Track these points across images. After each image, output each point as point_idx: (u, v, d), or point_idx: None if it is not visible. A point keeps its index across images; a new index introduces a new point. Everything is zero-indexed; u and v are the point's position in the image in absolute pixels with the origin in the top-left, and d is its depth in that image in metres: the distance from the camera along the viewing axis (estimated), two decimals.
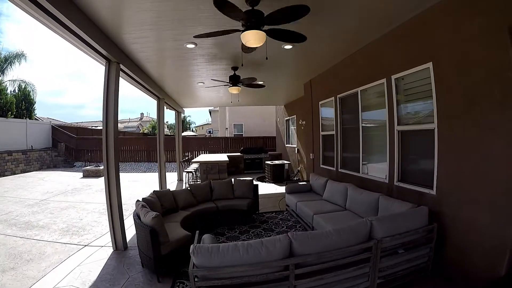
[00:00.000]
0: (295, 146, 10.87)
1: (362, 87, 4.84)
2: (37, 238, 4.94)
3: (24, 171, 13.87)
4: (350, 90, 5.23)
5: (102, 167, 12.42)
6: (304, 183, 6.39)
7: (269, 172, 10.00)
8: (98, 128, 21.71)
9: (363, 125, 4.89)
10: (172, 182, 10.55)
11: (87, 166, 13.19)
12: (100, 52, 3.80)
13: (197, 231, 2.97)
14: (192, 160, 9.19)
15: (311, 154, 7.30)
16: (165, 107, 10.14)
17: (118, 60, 4.22)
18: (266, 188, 8.83)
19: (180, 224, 4.17)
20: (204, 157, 10.82)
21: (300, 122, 9.82)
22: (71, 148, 16.42)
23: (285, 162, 10.35)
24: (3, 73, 16.38)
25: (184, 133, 30.09)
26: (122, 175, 12.90)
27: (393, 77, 3.99)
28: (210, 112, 30.39)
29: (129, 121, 34.90)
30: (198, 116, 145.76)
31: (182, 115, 11.81)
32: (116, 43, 4.18)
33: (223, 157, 10.38)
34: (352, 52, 5.04)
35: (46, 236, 5.02)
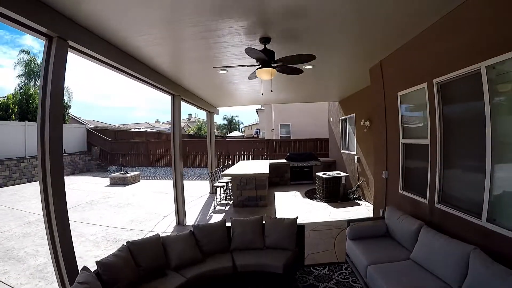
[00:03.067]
0: (354, 153, 8.57)
1: (492, 60, 2.58)
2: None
3: None
4: (461, 69, 2.98)
5: (129, 175, 11.73)
6: (375, 222, 4.28)
7: (321, 187, 7.91)
8: (138, 130, 21.86)
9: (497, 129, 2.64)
10: (202, 195, 9.15)
11: (117, 172, 12.39)
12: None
13: None
14: (223, 172, 7.65)
15: (383, 172, 5.06)
16: (196, 108, 8.83)
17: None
18: (316, 212, 6.79)
19: None
20: (240, 166, 9.11)
21: (362, 123, 7.54)
22: (105, 152, 15.99)
23: (342, 174, 8.14)
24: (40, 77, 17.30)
25: (232, 134, 29.24)
26: (150, 183, 11.54)
27: None
28: (257, 112, 28.99)
29: None
30: (246, 116, 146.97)
31: (216, 115, 10.35)
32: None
33: (263, 166, 8.60)
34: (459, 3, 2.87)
35: (11, 280, 3.91)
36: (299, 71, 4.11)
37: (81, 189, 10.75)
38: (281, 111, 16.13)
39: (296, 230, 3.60)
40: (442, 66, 3.32)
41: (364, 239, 3.67)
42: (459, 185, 3.25)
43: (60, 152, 3.08)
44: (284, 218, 3.70)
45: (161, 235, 3.44)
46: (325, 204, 7.53)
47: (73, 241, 4.98)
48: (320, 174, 8.17)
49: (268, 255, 3.46)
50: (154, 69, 5.17)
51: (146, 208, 7.83)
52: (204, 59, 4.71)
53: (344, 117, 9.60)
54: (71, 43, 3.01)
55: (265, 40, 3.64)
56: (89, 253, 4.80)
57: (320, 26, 3.47)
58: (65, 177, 13.62)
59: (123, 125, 25.54)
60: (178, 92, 6.27)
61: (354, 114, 8.64)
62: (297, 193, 8.93)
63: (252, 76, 4.08)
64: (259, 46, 3.77)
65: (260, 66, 3.66)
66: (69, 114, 17.37)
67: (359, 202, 7.64)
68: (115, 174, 11.96)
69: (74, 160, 15.13)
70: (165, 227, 6.16)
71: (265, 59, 3.57)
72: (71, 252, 2.99)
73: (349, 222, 3.95)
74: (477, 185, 2.81)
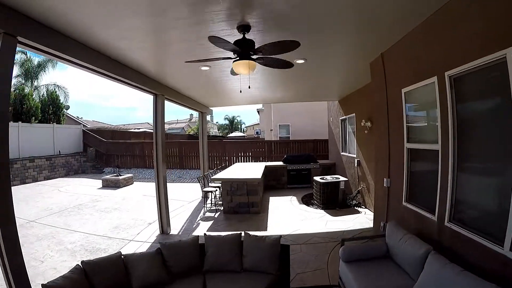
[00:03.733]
0: (354, 156, 7.95)
1: None
2: None
3: (48, 178, 13.13)
4: (480, 58, 2.38)
5: (121, 177, 11.22)
6: (373, 240, 3.66)
7: (318, 192, 7.30)
8: (137, 130, 21.40)
9: None
10: (194, 200, 8.56)
11: (112, 174, 12.01)
12: None
13: None
14: (213, 177, 7.08)
15: (385, 180, 4.46)
16: (187, 108, 8.27)
17: None
18: (311, 221, 6.17)
19: None
20: (234, 169, 8.51)
21: (362, 124, 6.93)
22: (101, 153, 15.47)
23: (341, 178, 7.53)
24: (37, 78, 17.00)
25: (233, 134, 28.75)
26: (143, 185, 10.90)
27: None
28: (258, 112, 28.41)
29: (177, 122, 35.02)
30: (248, 116, 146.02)
31: (209, 116, 9.79)
32: None
33: (257, 170, 8.02)
34: None
35: None
36: (289, 65, 3.51)
37: (72, 192, 10.29)
38: (280, 111, 15.51)
39: (279, 251, 3.01)
40: (456, 56, 2.72)
41: (360, 262, 3.07)
42: (475, 200, 2.64)
43: (5, 159, 2.55)
44: (266, 236, 3.09)
45: (142, 245, 2.97)
46: (322, 211, 6.92)
47: (50, 250, 4.97)
48: (317, 178, 7.57)
49: (245, 279, 2.88)
50: (129, 66, 4.64)
51: (133, 213, 7.32)
52: (184, 53, 4.15)
53: (344, 117, 8.97)
54: (22, 39, 2.62)
55: (243, 28, 3.04)
56: (64, 264, 4.40)
57: (311, 11, 2.89)
58: (59, 179, 13.09)
59: (123, 125, 25.14)
60: (161, 91, 5.74)
61: (354, 114, 8.01)
62: (294, 198, 8.33)
63: (232, 71, 3.53)
64: (238, 36, 3.20)
65: (237, 58, 3.10)
66: (65, 115, 16.93)
67: (359, 209, 7.02)
68: (108, 176, 11.46)
69: (69, 161, 14.66)
70: (148, 236, 5.63)
71: (238, 50, 3.00)
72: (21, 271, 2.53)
73: (343, 241, 3.34)
74: (498, 202, 2.21)
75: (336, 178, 7.58)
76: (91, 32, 3.19)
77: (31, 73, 17.32)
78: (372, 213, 6.53)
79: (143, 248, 5.02)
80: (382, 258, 3.12)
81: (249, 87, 3.46)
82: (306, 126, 14.80)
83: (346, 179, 7.68)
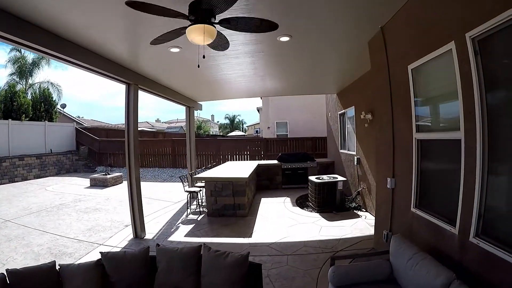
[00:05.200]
0: (354, 153, 7.14)
1: None
2: None
3: (38, 176, 12.49)
4: None
5: (109, 176, 10.50)
6: (374, 261, 2.87)
7: (314, 193, 6.49)
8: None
9: None
10: (180, 201, 7.77)
11: (104, 173, 11.52)
12: None
13: None
14: (195, 176, 6.29)
15: (388, 180, 3.65)
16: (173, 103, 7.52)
17: None
18: (303, 226, 5.36)
19: None
20: (223, 168, 7.69)
21: (362, 116, 6.12)
22: (94, 151, 14.74)
23: (339, 178, 6.72)
24: (31, 76, 16.50)
25: (232, 133, 28.04)
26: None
27: None
28: (258, 110, 27.64)
29: (177, 121, 34.39)
30: (250, 116, 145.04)
31: (198, 111, 9.04)
32: None
33: (247, 169, 7.25)
34: None
35: None
36: (270, 26, 2.54)
37: (57, 191, 9.66)
38: (278, 108, 14.70)
39: (246, 272, 2.24)
40: (480, 9, 1.93)
41: (356, 286, 2.30)
42: None
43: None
44: (228, 253, 2.30)
45: (111, 250, 2.25)
46: (317, 215, 6.10)
47: (16, 252, 4.58)
48: (312, 178, 6.76)
49: None
50: (97, 53, 3.97)
51: (112, 214, 6.62)
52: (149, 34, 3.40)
53: (343, 111, 8.15)
54: None
55: None
56: None
57: None
58: (48, 178, 12.48)
59: (122, 124, 24.50)
60: (134, 80, 4.99)
61: (353, 107, 7.18)
62: (288, 199, 7.53)
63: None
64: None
65: (191, 23, 2.34)
66: (57, 112, 16.29)
67: (358, 213, 6.19)
68: (96, 175, 10.76)
69: (61, 160, 13.99)
70: (119, 240, 4.93)
71: (185, 14, 2.25)
72: None
73: (333, 259, 2.54)
74: None
75: (334, 177, 6.77)
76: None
77: (25, 71, 16.80)
78: (374, 218, 5.74)
79: None
80: (385, 283, 2.32)
81: (204, 57, 2.67)
82: (305, 124, 13.98)
83: (345, 179, 6.87)
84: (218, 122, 43.79)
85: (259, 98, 16.72)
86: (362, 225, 5.35)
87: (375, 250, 4.06)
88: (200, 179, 6.09)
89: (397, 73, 3.43)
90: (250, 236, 4.92)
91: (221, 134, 32.32)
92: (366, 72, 5.95)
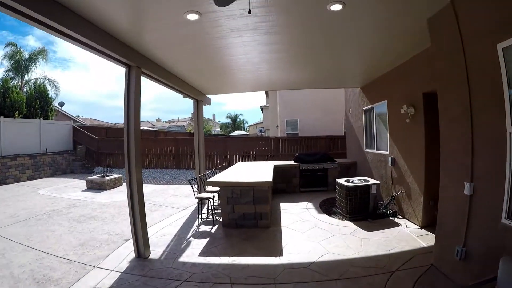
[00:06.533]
0: (387, 153, 6.17)
1: None
2: None
3: (32, 178, 11.49)
4: None
5: (108, 178, 9.44)
6: None
7: (344, 199, 5.52)
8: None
9: None
10: (188, 206, 6.75)
11: (96, 174, 10.15)
12: None
13: None
14: (208, 180, 5.27)
15: (466, 185, 2.74)
16: (179, 94, 6.53)
17: None
18: (340, 239, 4.37)
19: None
20: (236, 170, 6.67)
21: (403, 111, 5.17)
22: (92, 151, 13.67)
23: (371, 181, 5.75)
24: (27, 72, 15.52)
25: (235, 133, 27.05)
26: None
27: None
28: (262, 109, 26.66)
29: (178, 121, 33.25)
30: (251, 115, 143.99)
31: (211, 115, 8.06)
32: None
33: (265, 171, 6.25)
34: None
35: None
36: None
37: (50, 195, 8.56)
38: (287, 105, 13.71)
39: None
40: None
41: None
42: None
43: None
44: None
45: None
46: (350, 223, 5.14)
47: None
48: (341, 181, 5.79)
49: None
50: (88, 19, 2.99)
51: (110, 224, 5.58)
52: None
53: (370, 106, 7.18)
54: None
55: None
56: None
57: None
58: (43, 179, 11.31)
59: (122, 123, 23.45)
60: (136, 61, 3.97)
61: (386, 101, 6.23)
62: (310, 205, 6.54)
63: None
64: None
65: None
66: (54, 110, 15.20)
67: (395, 220, 5.29)
68: (93, 177, 9.70)
69: (56, 160, 12.91)
70: (118, 260, 3.86)
71: None
72: None
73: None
74: None
75: (365, 180, 5.81)
76: None
77: (21, 66, 15.76)
78: (416, 226, 4.90)
79: (108, 281, 3.33)
80: None
81: (250, 12, 1.86)
82: (316, 122, 13.02)
83: (378, 182, 5.90)
84: (219, 121, 42.68)
85: (264, 97, 15.81)
86: (407, 235, 4.46)
87: (435, 268, 3.29)
88: (215, 183, 5.07)
89: (478, 54, 2.61)
90: (280, 254, 3.92)
91: (222, 133, 31.28)
92: (405, 61, 5.13)
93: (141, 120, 4.30)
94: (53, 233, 5.12)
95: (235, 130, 32.49)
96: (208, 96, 7.68)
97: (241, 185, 4.87)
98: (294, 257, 3.83)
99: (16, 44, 16.29)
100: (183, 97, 6.83)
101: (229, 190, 4.89)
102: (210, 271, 3.47)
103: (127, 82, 3.95)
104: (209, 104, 7.75)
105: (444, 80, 3.30)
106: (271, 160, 11.28)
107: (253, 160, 11.88)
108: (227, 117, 37.94)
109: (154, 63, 4.59)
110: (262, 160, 11.17)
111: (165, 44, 4.00)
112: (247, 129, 37.38)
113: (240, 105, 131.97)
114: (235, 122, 36.96)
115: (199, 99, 7.04)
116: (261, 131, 22.11)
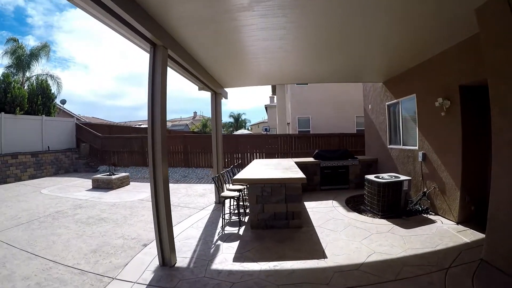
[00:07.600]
0: (416, 148, 5.78)
1: None
2: None
3: (33, 176, 10.97)
4: None
5: (115, 176, 8.95)
6: None
7: (375, 196, 5.10)
8: (138, 126, 19.21)
9: None
10: (206, 206, 6.35)
11: (107, 173, 9.71)
12: None
13: None
14: (235, 177, 4.80)
15: None
16: (196, 85, 6.09)
17: None
18: (380, 237, 3.97)
19: None
20: (256, 167, 6.17)
21: (438, 104, 4.78)
22: (96, 149, 13.14)
23: (401, 177, 5.34)
24: (29, 68, 14.96)
25: (239, 131, 26.58)
26: (141, 186, 8.51)
27: None
28: (266, 108, 26.18)
29: (180, 120, 32.70)
30: (253, 114, 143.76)
31: (202, 111, 7.62)
32: None
33: (291, 167, 5.75)
34: None
35: None
36: None
37: (53, 195, 8.00)
38: (299, 102, 13.28)
39: None
40: None
41: None
42: None
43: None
44: None
45: None
46: (384, 221, 4.76)
47: None
48: (371, 177, 5.39)
49: None
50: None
51: (124, 227, 5.05)
52: None
53: (395, 101, 6.77)
54: None
55: None
56: None
57: None
58: (45, 178, 10.58)
59: (125, 122, 22.85)
60: (163, 40, 3.46)
61: (414, 95, 5.85)
62: (335, 203, 6.11)
63: None
64: None
65: None
66: (56, 107, 14.65)
67: (429, 216, 5.00)
68: (99, 176, 9.20)
69: (59, 158, 12.38)
70: (140, 270, 3.34)
71: None
72: None
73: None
74: None
75: (395, 176, 5.41)
76: None
77: (23, 62, 15.19)
78: (452, 222, 4.64)
79: None
80: None
81: None
82: (328, 119, 12.62)
83: (409, 178, 5.49)
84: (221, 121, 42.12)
85: (268, 96, 15.47)
86: (446, 232, 4.18)
87: (487, 263, 3.09)
88: (243, 180, 4.61)
89: None
90: (324, 256, 3.50)
91: (225, 132, 30.76)
92: (437, 54, 4.89)
93: (142, 119, 3.84)
94: (59, 238, 4.56)
95: (238, 129, 31.99)
96: (225, 89, 7.20)
97: (272, 182, 4.42)
98: (340, 258, 3.43)
99: (18, 40, 15.71)
100: (199, 89, 6.36)
101: (259, 188, 4.43)
102: (252, 280, 3.02)
103: (151, 66, 3.45)
104: (226, 98, 7.27)
105: (498, 69, 3.02)
106: (283, 158, 10.85)
107: (264, 158, 11.44)
108: (230, 116, 37.34)
109: (180, 45, 4.07)
110: (273, 158, 10.73)
111: (193, 22, 3.50)
112: (250, 128, 36.89)
113: (242, 105, 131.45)
114: (238, 121, 36.39)
115: (218, 92, 6.53)
116: (266, 129, 21.66)
